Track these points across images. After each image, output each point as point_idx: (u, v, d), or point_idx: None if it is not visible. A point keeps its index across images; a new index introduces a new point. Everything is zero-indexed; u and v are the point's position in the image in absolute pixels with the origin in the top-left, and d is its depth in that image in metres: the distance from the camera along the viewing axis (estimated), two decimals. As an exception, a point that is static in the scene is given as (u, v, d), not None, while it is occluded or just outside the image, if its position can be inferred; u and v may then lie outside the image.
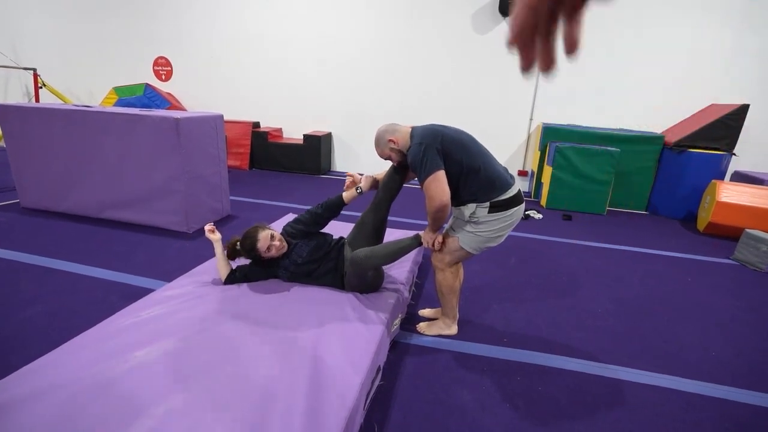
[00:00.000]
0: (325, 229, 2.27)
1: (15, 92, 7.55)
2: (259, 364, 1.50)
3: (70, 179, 3.58)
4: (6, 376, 1.37)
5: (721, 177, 4.63)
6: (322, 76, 6.17)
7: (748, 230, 3.48)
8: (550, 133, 5.07)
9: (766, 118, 4.90)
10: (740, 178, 4.79)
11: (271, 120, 6.57)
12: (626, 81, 5.25)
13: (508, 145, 5.85)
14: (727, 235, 4.05)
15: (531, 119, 5.67)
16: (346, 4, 5.81)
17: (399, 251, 1.98)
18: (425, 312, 2.40)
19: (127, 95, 6.33)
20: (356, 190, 2.16)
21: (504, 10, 5.22)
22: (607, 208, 4.90)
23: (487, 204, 1.83)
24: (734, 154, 4.62)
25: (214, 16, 6.30)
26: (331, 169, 6.55)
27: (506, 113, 5.70)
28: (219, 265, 2.15)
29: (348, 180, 2.18)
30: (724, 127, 4.48)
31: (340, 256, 2.09)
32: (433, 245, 1.97)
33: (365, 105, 6.11)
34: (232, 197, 4.17)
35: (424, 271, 2.89)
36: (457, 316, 2.22)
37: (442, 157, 1.76)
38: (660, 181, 4.91)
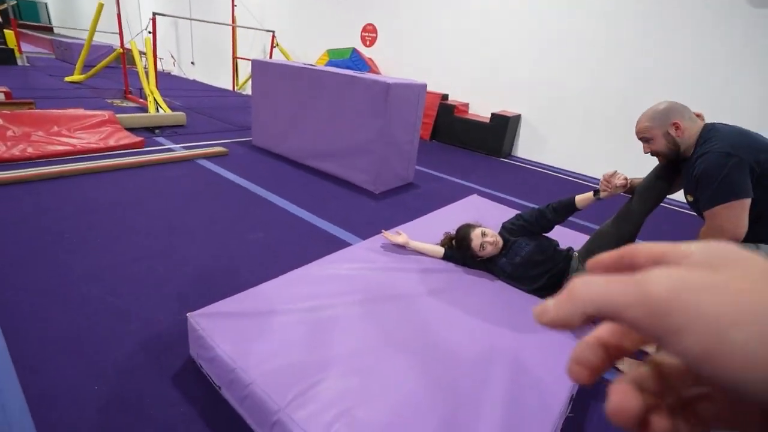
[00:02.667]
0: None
1: (257, 50, 9.18)
2: (452, 356, 1.41)
3: (289, 127, 4.12)
4: (234, 291, 1.59)
5: None
6: (522, 54, 5.63)
7: None
8: None
9: None
10: None
11: (459, 94, 6.42)
12: None
13: None
14: None
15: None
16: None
17: None
18: None
19: (336, 57, 6.99)
20: (594, 194, 1.76)
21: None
22: None
23: None
24: None
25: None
26: (512, 154, 6.10)
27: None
28: (428, 252, 2.06)
29: (603, 179, 1.73)
30: None
31: (567, 269, 1.80)
32: None
33: (565, 91, 5.37)
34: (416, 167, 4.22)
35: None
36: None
37: (754, 179, 1.28)
38: None
